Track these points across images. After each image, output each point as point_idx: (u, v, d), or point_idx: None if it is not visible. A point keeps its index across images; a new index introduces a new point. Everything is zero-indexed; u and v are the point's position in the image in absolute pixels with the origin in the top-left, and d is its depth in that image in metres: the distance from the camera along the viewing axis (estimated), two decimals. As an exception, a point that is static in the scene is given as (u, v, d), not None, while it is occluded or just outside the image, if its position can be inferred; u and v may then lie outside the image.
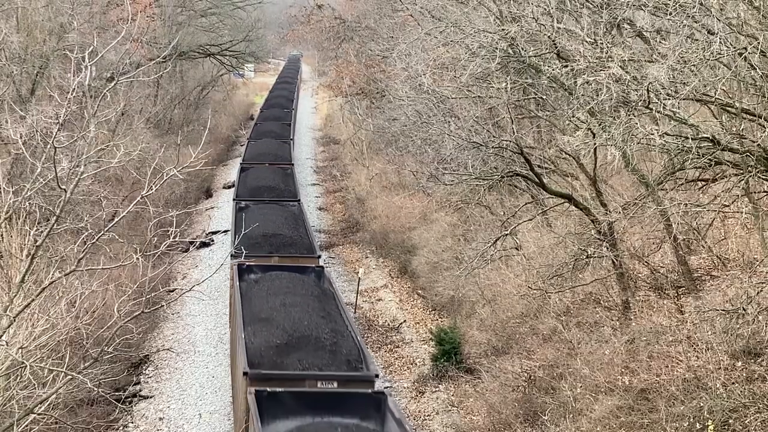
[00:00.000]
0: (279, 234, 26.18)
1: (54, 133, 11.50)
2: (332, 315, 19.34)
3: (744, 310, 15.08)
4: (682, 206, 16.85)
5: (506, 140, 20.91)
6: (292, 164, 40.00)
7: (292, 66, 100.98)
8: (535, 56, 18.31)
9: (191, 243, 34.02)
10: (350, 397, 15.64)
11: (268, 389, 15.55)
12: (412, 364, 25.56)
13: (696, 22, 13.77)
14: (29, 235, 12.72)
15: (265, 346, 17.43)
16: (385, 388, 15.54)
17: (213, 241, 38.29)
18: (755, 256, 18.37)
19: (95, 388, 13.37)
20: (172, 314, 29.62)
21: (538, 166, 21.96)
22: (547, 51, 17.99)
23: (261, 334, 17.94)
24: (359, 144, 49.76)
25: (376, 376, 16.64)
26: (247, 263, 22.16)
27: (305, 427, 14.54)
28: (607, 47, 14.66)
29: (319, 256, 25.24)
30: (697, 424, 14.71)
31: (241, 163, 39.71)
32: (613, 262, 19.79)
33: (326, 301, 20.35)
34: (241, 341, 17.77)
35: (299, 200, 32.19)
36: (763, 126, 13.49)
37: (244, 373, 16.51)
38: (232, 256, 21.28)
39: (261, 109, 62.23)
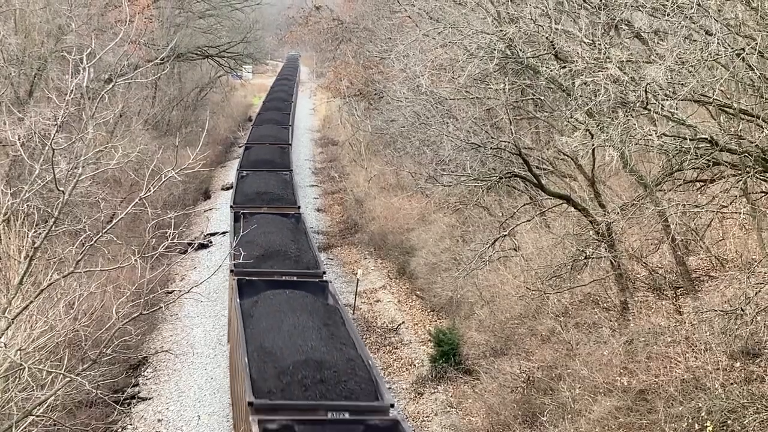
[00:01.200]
0: (271, 192, 33.48)
1: (52, 135, 11.50)
2: (300, 241, 27.33)
3: (742, 310, 15.09)
4: (680, 207, 16.85)
5: (504, 141, 20.91)
6: (290, 144, 47.76)
7: (291, 65, 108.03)
8: (533, 57, 18.32)
9: (189, 245, 34.16)
10: (304, 283, 22.86)
11: (246, 278, 22.62)
12: (410, 365, 25.56)
13: (694, 22, 13.77)
14: (27, 236, 12.72)
15: (248, 257, 23.05)
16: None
17: (211, 242, 38.29)
18: (753, 257, 18.39)
19: (94, 390, 13.36)
20: (171, 316, 29.61)
21: (537, 167, 21.96)
22: (545, 52, 18.00)
23: (246, 249, 23.46)
24: (357, 145, 49.77)
25: (323, 273, 24.20)
26: (242, 211, 29.26)
27: (267, 293, 21.31)
28: (605, 48, 14.66)
29: (299, 207, 32.24)
30: (696, 424, 14.73)
31: (245, 143, 47.03)
32: (612, 262, 19.79)
33: (298, 233, 28.32)
34: (230, 254, 23.72)
35: (291, 170, 39.38)
36: (761, 126, 13.50)
37: (231, 270, 24.18)
38: (231, 207, 30.79)
39: (264, 102, 70.00)
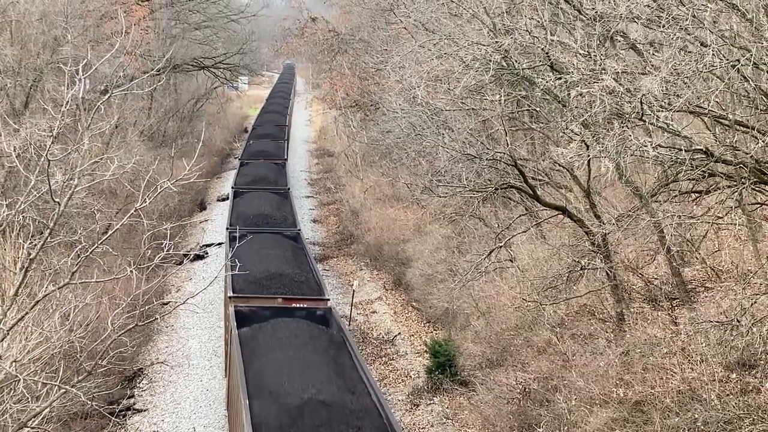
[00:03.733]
0: (267, 150, 49.05)
1: (48, 146, 11.48)
2: (280, 173, 42.26)
3: (738, 321, 15.09)
4: (675, 218, 16.85)
5: (500, 152, 20.92)
6: (287, 125, 63.97)
7: (287, 73, 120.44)
8: (528, 68, 18.33)
9: (185, 256, 34.15)
10: (275, 192, 36.90)
11: (240, 189, 35.66)
12: (406, 376, 25.52)
13: (689, 34, 13.80)
14: (23, 248, 12.68)
15: (242, 184, 38.74)
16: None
17: (207, 253, 38.24)
18: (749, 268, 18.38)
19: (89, 402, 13.32)
20: (166, 327, 29.55)
21: (532, 178, 21.97)
22: (541, 63, 18.01)
23: (244, 179, 39.24)
24: (353, 156, 49.79)
25: (288, 188, 38.88)
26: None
27: (244, 195, 36.11)
28: (601, 59, 14.69)
29: (286, 159, 47.86)
30: (692, 435, 14.71)
31: (253, 125, 64.78)
32: (608, 273, 19.79)
33: (279, 171, 43.25)
34: (231, 189, 38.38)
35: (285, 140, 55.46)
36: (756, 138, 13.53)
37: (230, 192, 37.87)
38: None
39: (266, 100, 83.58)
